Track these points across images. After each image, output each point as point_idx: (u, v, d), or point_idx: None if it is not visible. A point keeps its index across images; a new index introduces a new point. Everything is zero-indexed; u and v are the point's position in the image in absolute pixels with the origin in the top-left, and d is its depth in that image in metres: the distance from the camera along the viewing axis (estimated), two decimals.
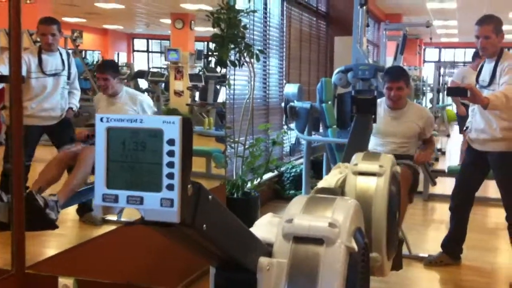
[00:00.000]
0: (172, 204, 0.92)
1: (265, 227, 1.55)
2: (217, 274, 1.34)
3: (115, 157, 0.94)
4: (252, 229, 1.46)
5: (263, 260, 1.33)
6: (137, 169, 0.94)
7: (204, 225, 1.02)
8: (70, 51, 4.33)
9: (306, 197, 1.53)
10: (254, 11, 5.05)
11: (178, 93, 7.98)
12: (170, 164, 0.92)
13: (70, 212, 3.90)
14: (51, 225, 3.22)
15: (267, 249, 1.39)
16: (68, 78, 3.92)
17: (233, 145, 4.77)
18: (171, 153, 0.92)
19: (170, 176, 0.92)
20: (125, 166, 0.94)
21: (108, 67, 4.04)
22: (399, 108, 3.96)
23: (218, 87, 7.78)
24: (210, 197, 1.04)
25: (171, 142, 0.92)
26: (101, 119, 0.94)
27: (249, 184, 4.85)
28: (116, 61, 8.63)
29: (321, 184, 2.28)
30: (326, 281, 1.30)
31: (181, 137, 0.92)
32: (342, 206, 1.46)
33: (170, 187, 0.92)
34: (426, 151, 4.06)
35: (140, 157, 0.93)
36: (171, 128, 0.92)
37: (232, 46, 4.29)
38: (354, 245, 1.38)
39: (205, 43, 11.90)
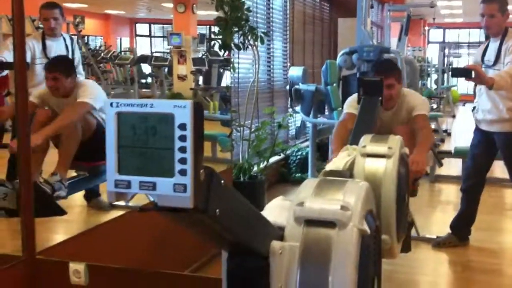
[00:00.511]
0: (185, 189, 0.91)
1: (275, 210, 1.54)
2: (229, 258, 1.33)
3: (126, 143, 0.93)
4: (263, 213, 1.45)
5: (275, 244, 1.32)
6: (148, 155, 0.92)
7: (217, 210, 1.01)
8: (74, 37, 4.30)
9: (317, 180, 1.51)
10: None
11: (182, 78, 7.96)
12: (182, 149, 0.91)
13: (78, 198, 3.91)
14: (60, 211, 3.24)
15: (278, 233, 1.38)
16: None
17: (238, 128, 4.76)
18: (183, 138, 0.91)
19: (183, 161, 0.91)
20: (136, 151, 0.93)
21: (59, 64, 3.51)
22: (389, 108, 3.32)
23: (221, 70, 7.76)
24: (222, 181, 1.03)
25: (182, 126, 0.91)
26: (111, 104, 0.93)
27: (255, 168, 4.85)
28: (119, 46, 8.61)
29: (329, 166, 2.26)
30: (339, 264, 1.30)
31: (192, 121, 0.90)
32: (354, 189, 1.44)
33: (183, 172, 0.91)
34: (418, 152, 2.95)
35: (151, 142, 0.92)
36: (182, 113, 0.90)
37: (236, 29, 4.26)
38: (366, 228, 1.36)
39: (208, 26, 11.84)
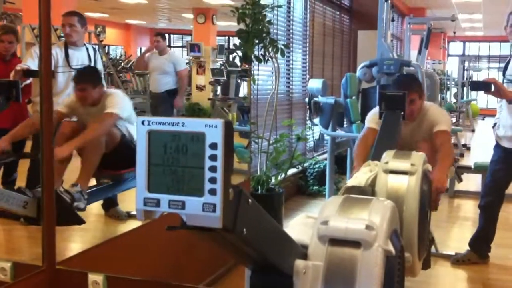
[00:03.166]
0: (215, 209, 0.91)
1: (299, 228, 1.53)
2: (252, 275, 1.32)
3: (157, 161, 0.93)
4: (286, 230, 1.44)
5: (299, 263, 1.31)
6: (178, 173, 0.92)
7: (244, 230, 1.00)
8: (96, 47, 4.33)
9: (341, 198, 1.50)
10: (279, 6, 5.02)
11: (200, 88, 8.00)
12: (213, 169, 0.90)
13: (96, 207, 3.93)
14: (79, 220, 3.25)
15: (302, 251, 1.37)
16: None
17: (257, 140, 4.75)
18: (213, 157, 0.90)
19: (213, 180, 0.91)
20: (167, 170, 0.92)
21: (87, 76, 3.62)
22: (412, 120, 3.35)
23: (239, 81, 7.78)
24: (249, 200, 1.02)
25: (213, 146, 0.90)
26: (143, 122, 0.93)
27: (273, 180, 4.83)
28: (139, 56, 8.67)
29: (351, 182, 2.25)
30: (363, 285, 1.28)
31: (223, 141, 0.90)
32: (379, 208, 1.43)
33: (213, 192, 0.91)
34: (439, 169, 2.93)
35: (181, 161, 0.92)
36: (214, 132, 0.90)
37: (257, 41, 4.27)
38: (391, 248, 1.35)
39: (227, 37, 11.89)
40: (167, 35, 13.22)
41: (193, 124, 0.91)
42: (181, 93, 6.04)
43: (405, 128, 3.24)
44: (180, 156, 0.92)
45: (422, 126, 3.35)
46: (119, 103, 3.50)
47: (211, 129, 0.90)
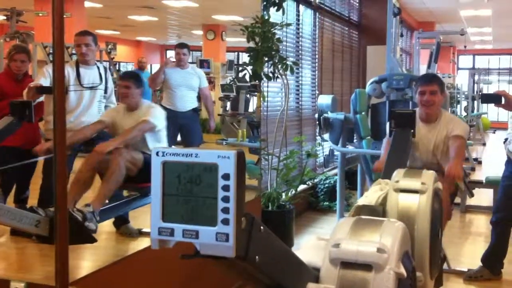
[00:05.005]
0: (228, 239, 0.92)
1: (311, 250, 1.54)
2: None
3: (171, 191, 0.95)
4: (297, 253, 1.45)
5: (311, 286, 1.32)
6: (192, 203, 0.94)
7: (257, 257, 1.02)
8: (107, 65, 4.39)
9: (352, 219, 1.51)
10: (288, 25, 5.05)
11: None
12: (226, 199, 0.92)
13: (107, 224, 3.95)
14: (90, 238, 3.26)
15: (314, 274, 1.37)
16: (105, 92, 3.97)
17: (267, 157, 4.77)
18: (226, 188, 0.92)
19: (226, 210, 0.92)
20: (181, 200, 0.94)
21: (131, 76, 3.94)
22: (432, 121, 3.62)
23: (248, 96, 7.82)
24: (261, 228, 1.03)
25: (226, 176, 0.92)
26: (157, 153, 0.95)
27: (283, 196, 4.84)
28: (150, 72, 8.74)
29: (361, 201, 2.25)
30: None
31: (235, 171, 0.92)
32: (390, 230, 1.43)
33: (226, 222, 0.92)
34: (454, 162, 3.30)
35: (195, 191, 0.94)
36: (226, 163, 0.92)
37: (266, 59, 4.30)
38: (403, 271, 1.35)
39: (236, 53, 11.94)
40: None
41: (206, 155, 0.93)
42: (212, 115, 5.62)
43: (424, 128, 3.56)
44: (193, 186, 0.94)
45: (441, 126, 3.57)
46: (155, 112, 3.73)
47: (224, 160, 0.92)
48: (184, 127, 5.09)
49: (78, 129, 3.67)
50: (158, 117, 3.73)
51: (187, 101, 5.11)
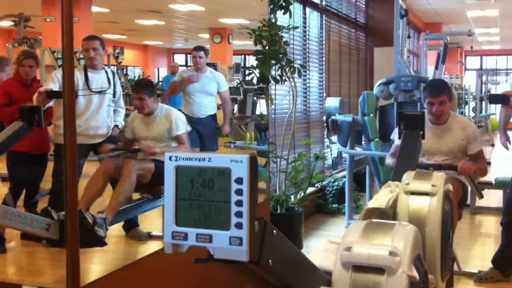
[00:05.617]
0: (241, 242, 0.92)
1: (322, 253, 1.54)
2: None
3: (184, 195, 0.95)
4: (309, 256, 1.45)
5: None
6: (205, 207, 0.94)
7: (270, 261, 1.02)
8: (115, 70, 4.40)
9: (364, 223, 1.50)
10: (295, 28, 5.04)
11: (217, 107, 8.05)
12: (239, 203, 0.92)
13: (116, 228, 3.95)
14: (100, 242, 3.27)
15: (326, 278, 1.37)
16: (114, 96, 3.98)
17: (275, 159, 4.76)
18: (239, 192, 0.92)
19: (239, 214, 0.92)
20: (194, 204, 0.94)
21: (144, 86, 4.01)
22: (442, 123, 3.70)
23: (255, 99, 7.82)
24: (274, 231, 1.03)
25: (239, 180, 0.92)
26: (170, 158, 0.95)
27: (292, 199, 4.83)
28: (157, 76, 8.78)
29: (371, 204, 2.25)
30: None
31: (248, 175, 0.92)
32: (402, 233, 1.43)
33: (239, 226, 0.92)
34: (471, 163, 3.58)
35: (208, 195, 0.94)
36: (239, 167, 0.92)
37: (274, 62, 4.30)
38: (415, 273, 1.35)
39: (243, 56, 11.95)
40: (183, 55, 13.36)
41: (219, 160, 0.93)
42: (228, 118, 5.52)
43: (436, 130, 3.67)
44: (206, 190, 0.94)
45: (453, 125, 3.69)
46: (179, 125, 3.90)
47: (237, 164, 0.92)
48: (200, 133, 5.06)
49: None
50: (183, 126, 3.92)
51: (204, 107, 5.08)
